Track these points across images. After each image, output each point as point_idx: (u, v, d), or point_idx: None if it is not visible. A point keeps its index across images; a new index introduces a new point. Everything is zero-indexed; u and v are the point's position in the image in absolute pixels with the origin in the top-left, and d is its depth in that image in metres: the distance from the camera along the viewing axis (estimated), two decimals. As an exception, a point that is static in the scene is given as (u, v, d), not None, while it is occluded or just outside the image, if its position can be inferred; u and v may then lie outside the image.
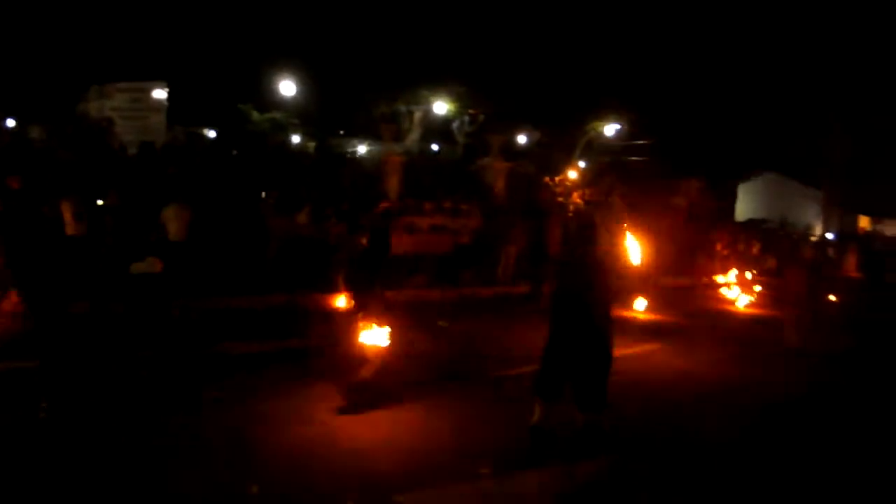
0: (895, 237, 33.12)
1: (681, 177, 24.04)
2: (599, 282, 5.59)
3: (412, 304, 11.88)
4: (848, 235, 28.39)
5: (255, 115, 22.88)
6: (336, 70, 21.36)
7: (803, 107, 26.72)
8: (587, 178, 21.54)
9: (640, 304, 12.93)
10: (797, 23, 27.02)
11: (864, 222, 35.13)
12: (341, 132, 30.20)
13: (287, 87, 20.43)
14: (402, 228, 13.88)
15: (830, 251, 25.68)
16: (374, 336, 6.37)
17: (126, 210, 10.25)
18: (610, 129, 23.54)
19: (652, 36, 23.87)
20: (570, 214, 6.04)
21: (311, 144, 25.24)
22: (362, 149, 25.70)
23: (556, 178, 20.15)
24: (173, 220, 10.64)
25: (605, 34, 21.89)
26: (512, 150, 21.00)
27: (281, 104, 22.25)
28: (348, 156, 24.47)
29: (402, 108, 21.53)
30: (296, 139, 24.96)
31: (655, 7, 23.72)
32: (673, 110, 24.62)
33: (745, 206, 27.98)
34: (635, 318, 12.29)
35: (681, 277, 18.74)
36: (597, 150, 23.89)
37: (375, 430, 5.89)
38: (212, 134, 24.47)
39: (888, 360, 10.33)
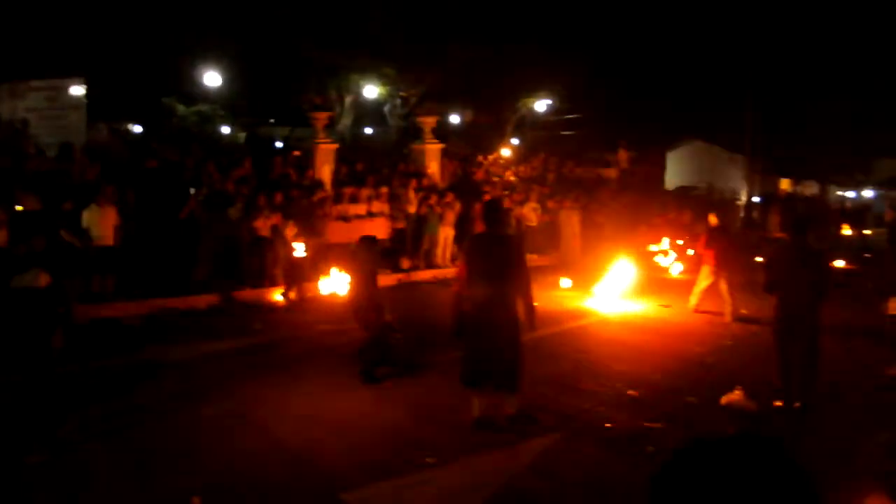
0: (813, 197, 34.76)
1: (611, 148, 24.56)
2: (510, 269, 5.71)
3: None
4: (771, 197, 29.56)
5: (181, 108, 22.26)
6: (263, 58, 20.91)
7: (723, 77, 27.58)
8: (520, 155, 21.90)
9: (565, 283, 13.29)
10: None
11: (785, 184, 36.68)
12: (272, 121, 29.66)
13: (212, 78, 19.90)
14: (338, 216, 13.85)
15: (755, 213, 26.77)
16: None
17: (47, 215, 9.91)
18: (541, 105, 23.79)
19: (578, 9, 24.13)
20: (483, 199, 6.33)
21: (242, 135, 24.73)
22: (294, 137, 25.35)
23: (490, 157, 20.36)
24: (97, 223, 10.37)
25: (531, 10, 22.00)
26: (445, 131, 21.01)
27: (207, 96, 21.71)
28: (280, 145, 24.11)
29: (333, 93, 21.28)
30: (226, 130, 24.41)
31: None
32: (601, 83, 25.02)
33: (673, 173, 28.76)
34: (562, 296, 12.47)
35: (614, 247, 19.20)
36: (529, 126, 24.16)
37: (324, 425, 5.94)
38: (138, 129, 23.74)
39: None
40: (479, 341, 5.68)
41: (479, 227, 6.22)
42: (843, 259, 17.38)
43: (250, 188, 12.64)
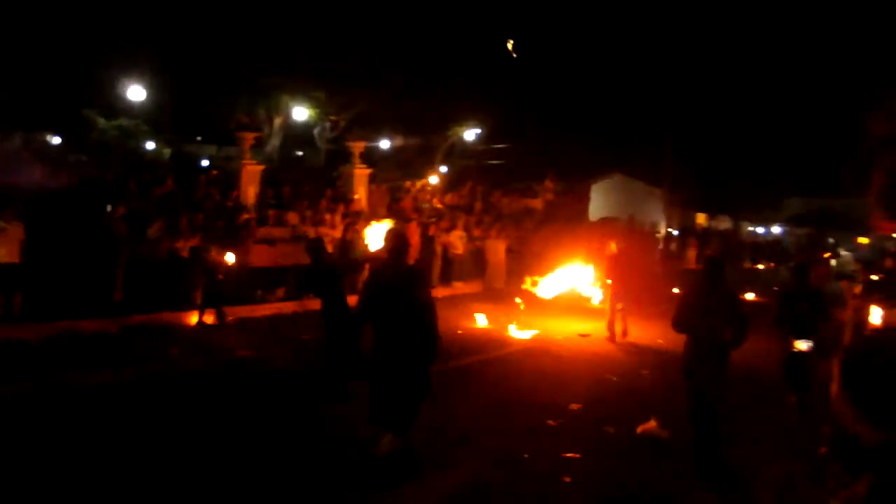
0: (727, 231, 36.51)
1: (538, 179, 25.09)
2: (411, 301, 5.57)
3: (273, 318, 11.71)
4: (688, 230, 30.82)
5: (102, 121, 21.52)
6: (190, 74, 20.48)
7: (645, 113, 28.78)
8: (448, 183, 22.11)
9: (476, 319, 12.74)
10: (642, 37, 29.08)
11: (701, 218, 38.34)
12: (198, 139, 29.01)
13: (136, 92, 19.33)
14: (263, 240, 13.63)
15: (673, 246, 27.82)
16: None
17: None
18: (470, 134, 24.14)
19: (506, 40, 24.76)
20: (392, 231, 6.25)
21: (167, 152, 24.09)
22: (221, 156, 24.88)
23: (418, 183, 20.49)
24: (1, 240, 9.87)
25: (461, 39, 22.42)
26: (374, 156, 21.04)
27: (130, 110, 21.07)
28: (206, 163, 23.60)
29: (262, 113, 21.03)
30: (150, 146, 23.72)
31: (509, 13, 24.60)
32: (529, 115, 25.63)
33: (597, 205, 29.58)
34: (477, 329, 12.30)
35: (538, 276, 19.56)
36: (458, 154, 24.46)
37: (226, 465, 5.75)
38: (56, 140, 22.82)
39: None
40: (379, 378, 5.57)
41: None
42: (754, 292, 18.24)
43: (172, 207, 12.31)
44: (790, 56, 33.69)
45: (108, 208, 11.67)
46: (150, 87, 19.44)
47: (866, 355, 1.61)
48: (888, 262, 16.07)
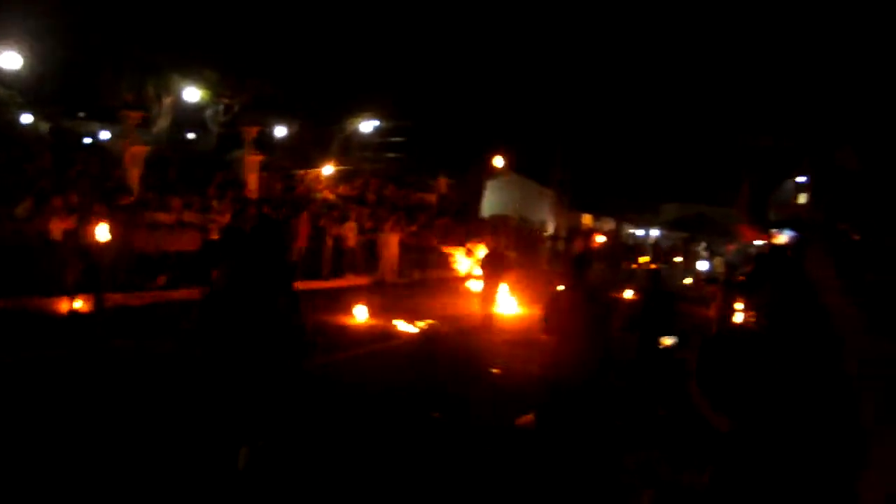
0: (610, 232, 38.38)
1: (433, 174, 25.48)
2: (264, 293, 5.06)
3: (154, 306, 11.38)
4: (574, 231, 32.12)
5: (-31, 90, 19.96)
6: (73, 43, 19.29)
7: (536, 113, 29.75)
8: (343, 174, 22.07)
9: (360, 312, 12.40)
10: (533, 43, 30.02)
11: (587, 219, 40.03)
12: (81, 115, 27.36)
13: (9, 59, 18.03)
14: (145, 224, 13.19)
15: (560, 246, 28.96)
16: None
17: None
18: (367, 126, 24.13)
19: (406, 35, 24.90)
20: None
21: (45, 126, 22.64)
22: (106, 134, 23.62)
23: (312, 173, 20.34)
24: None
25: (362, 28, 22.37)
26: (268, 143, 20.64)
27: (3, 79, 19.62)
28: (89, 141, 22.38)
29: (150, 92, 20.15)
30: (28, 119, 22.20)
31: (409, 8, 24.76)
32: (427, 109, 25.92)
33: (490, 202, 30.29)
34: (354, 324, 12.02)
35: (431, 271, 19.98)
36: (354, 146, 24.40)
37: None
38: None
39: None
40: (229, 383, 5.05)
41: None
42: (632, 289, 19.36)
43: (44, 185, 11.71)
44: (672, 68, 35.82)
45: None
46: (29, 56, 18.19)
47: (716, 350, 1.91)
48: (748, 267, 17.49)
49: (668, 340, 7.81)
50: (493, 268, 11.86)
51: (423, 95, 25.25)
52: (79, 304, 10.78)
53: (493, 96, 28.93)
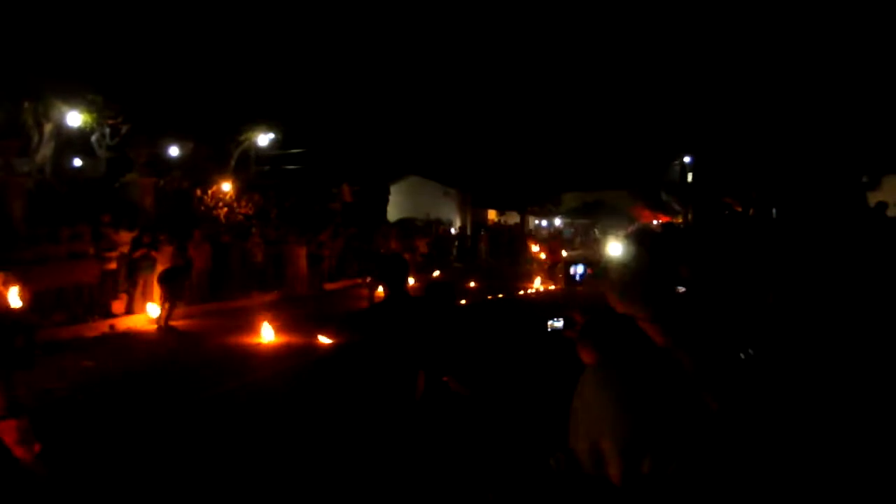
0: (515, 224, 39.39)
1: (336, 183, 25.41)
2: None
3: (52, 344, 10.90)
4: (480, 227, 32.80)
5: None
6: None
7: (438, 115, 30.23)
8: (242, 190, 21.67)
9: (266, 332, 11.64)
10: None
11: (492, 215, 40.92)
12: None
13: None
14: (35, 259, 12.56)
15: (468, 242, 29.52)
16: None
17: None
18: (264, 139, 23.75)
19: (293, 42, 24.75)
20: None
21: None
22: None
23: (210, 191, 19.88)
24: None
25: (248, 38, 22.08)
26: (162, 164, 19.99)
27: None
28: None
29: (29, 119, 19.10)
30: None
31: (292, 15, 24.64)
32: (324, 117, 25.84)
33: (395, 206, 30.51)
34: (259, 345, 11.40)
35: (341, 280, 19.98)
36: (252, 160, 24.00)
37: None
38: None
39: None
40: None
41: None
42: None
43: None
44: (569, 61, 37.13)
45: None
46: None
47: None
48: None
49: (556, 323, 8.11)
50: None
51: (319, 103, 25.19)
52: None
53: (387, 100, 29.20)
